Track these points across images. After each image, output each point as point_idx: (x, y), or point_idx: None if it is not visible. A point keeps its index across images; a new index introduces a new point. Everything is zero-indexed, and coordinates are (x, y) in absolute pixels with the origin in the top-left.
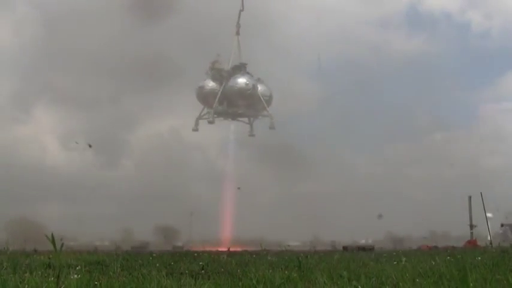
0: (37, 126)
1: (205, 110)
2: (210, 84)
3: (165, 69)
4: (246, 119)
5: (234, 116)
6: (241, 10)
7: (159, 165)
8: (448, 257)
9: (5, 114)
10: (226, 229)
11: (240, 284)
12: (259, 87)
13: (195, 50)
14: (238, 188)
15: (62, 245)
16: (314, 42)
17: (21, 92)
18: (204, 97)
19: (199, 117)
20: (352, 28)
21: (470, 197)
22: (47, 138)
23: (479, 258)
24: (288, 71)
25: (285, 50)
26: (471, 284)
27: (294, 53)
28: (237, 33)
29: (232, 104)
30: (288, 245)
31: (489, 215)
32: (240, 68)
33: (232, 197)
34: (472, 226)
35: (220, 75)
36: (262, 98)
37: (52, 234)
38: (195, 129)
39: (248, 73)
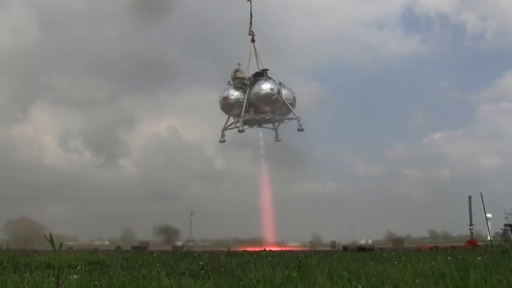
0: (37, 127)
1: (230, 120)
2: (235, 93)
3: (164, 70)
4: (270, 125)
5: (260, 123)
6: (251, 17)
7: (159, 165)
8: (449, 257)
9: (5, 114)
10: (269, 231)
11: (240, 284)
12: (283, 92)
13: (194, 51)
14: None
15: (61, 244)
16: (310, 43)
17: (22, 93)
18: (230, 107)
19: (225, 128)
20: (348, 29)
21: (470, 197)
22: (46, 138)
23: (479, 258)
24: (285, 72)
25: (281, 51)
26: (472, 284)
27: (293, 54)
28: (252, 40)
29: (259, 110)
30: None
31: (489, 215)
32: (262, 74)
33: (269, 199)
34: (471, 226)
35: (243, 83)
36: (287, 102)
37: (50, 234)
38: (222, 141)
39: (270, 78)
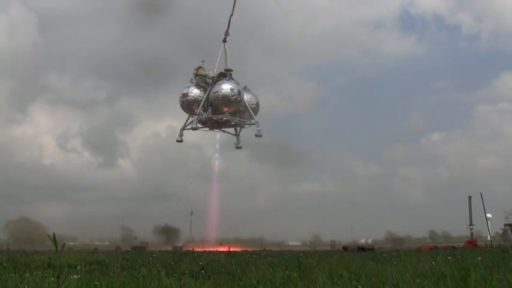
0: (36, 127)
1: (190, 119)
2: (194, 91)
3: (163, 70)
4: (232, 130)
5: (219, 125)
6: (231, 15)
7: (159, 165)
8: (449, 257)
9: (4, 115)
10: (213, 229)
11: (240, 284)
12: (246, 96)
13: (190, 52)
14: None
15: (64, 245)
16: (308, 43)
17: (21, 93)
18: (188, 105)
19: (184, 128)
20: (346, 30)
21: (470, 197)
22: (46, 138)
23: (480, 258)
24: (282, 73)
25: (279, 52)
26: (472, 284)
27: (291, 55)
28: (224, 40)
29: (217, 111)
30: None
31: (489, 215)
32: (225, 75)
33: (220, 198)
34: (471, 226)
35: (204, 82)
36: (249, 106)
37: (54, 234)
38: (180, 140)
39: (234, 79)
